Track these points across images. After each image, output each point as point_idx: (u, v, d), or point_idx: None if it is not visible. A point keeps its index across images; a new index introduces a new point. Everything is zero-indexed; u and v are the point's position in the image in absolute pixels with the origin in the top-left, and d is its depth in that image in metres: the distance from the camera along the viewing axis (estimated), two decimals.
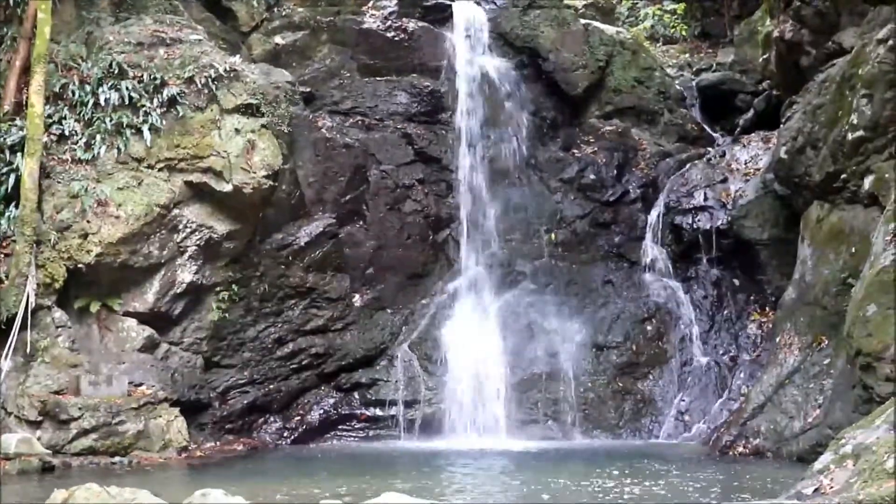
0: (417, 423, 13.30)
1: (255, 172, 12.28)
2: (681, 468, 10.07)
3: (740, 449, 11.21)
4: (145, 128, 11.96)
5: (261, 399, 12.98)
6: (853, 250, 10.77)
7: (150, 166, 12.01)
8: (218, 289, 12.64)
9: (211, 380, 12.71)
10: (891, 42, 10.26)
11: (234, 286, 12.75)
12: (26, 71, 11.91)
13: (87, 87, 12.08)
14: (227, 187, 12.16)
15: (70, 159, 11.75)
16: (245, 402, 12.87)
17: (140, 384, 11.57)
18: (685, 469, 10.00)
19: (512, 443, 12.74)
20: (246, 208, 12.45)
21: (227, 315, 12.72)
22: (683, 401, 13.40)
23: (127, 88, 12.07)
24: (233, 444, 12.40)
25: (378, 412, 13.39)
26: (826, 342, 10.92)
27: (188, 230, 12.18)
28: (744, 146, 15.10)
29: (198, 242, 12.27)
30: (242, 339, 12.93)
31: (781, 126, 12.79)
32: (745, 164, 14.70)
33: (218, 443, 12.38)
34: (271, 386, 13.08)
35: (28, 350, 10.94)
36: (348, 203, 13.91)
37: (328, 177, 13.72)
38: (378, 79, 15.02)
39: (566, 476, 9.38)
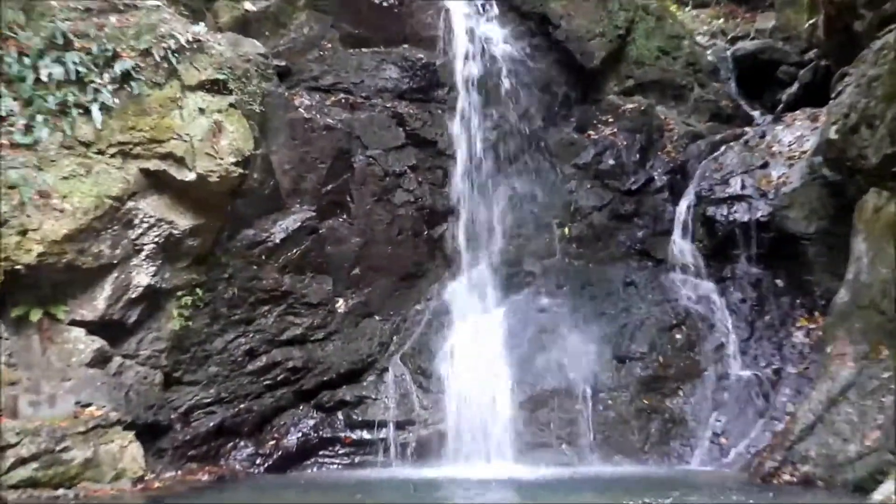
0: (411, 448, 13.24)
1: (222, 158, 12.21)
2: (716, 499, 9.96)
3: (786, 476, 11.05)
4: (94, 107, 11.74)
5: (229, 420, 12.92)
6: None
7: (100, 152, 11.82)
8: (180, 293, 12.57)
9: (171, 399, 12.61)
10: None
11: (198, 290, 12.68)
12: None
13: (27, 61, 11.84)
14: (190, 176, 12.07)
15: (6, 144, 11.52)
16: (211, 424, 12.78)
17: (88, 404, 11.40)
18: (722, 500, 9.89)
19: (520, 470, 12.68)
20: (212, 200, 12.38)
21: (190, 323, 12.65)
22: (719, 421, 13.30)
23: (73, 62, 11.83)
24: (197, 473, 12.30)
25: (365, 435, 13.35)
26: (885, 352, 10.80)
27: (145, 225, 12.08)
28: (787, 125, 15.06)
29: (156, 240, 12.16)
30: (208, 351, 12.85)
31: (831, 101, 12.71)
32: (789, 146, 14.65)
33: (179, 472, 12.29)
34: (242, 405, 13.02)
35: None
36: (330, 193, 13.86)
37: (307, 163, 13.66)
38: (364, 50, 14.96)
39: None
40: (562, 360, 13.82)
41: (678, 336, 14.02)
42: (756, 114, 16.18)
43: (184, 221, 12.28)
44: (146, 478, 11.40)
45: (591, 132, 15.48)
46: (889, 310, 10.88)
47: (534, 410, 13.52)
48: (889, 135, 11.13)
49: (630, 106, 15.69)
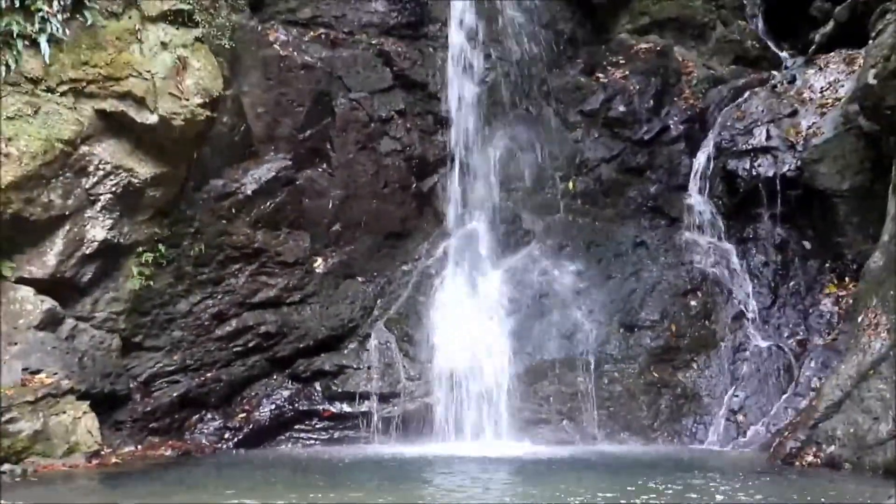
0: (396, 423, 13.32)
1: (187, 99, 12.16)
2: (732, 483, 9.92)
3: (809, 458, 11.09)
4: (42, 39, 11.60)
5: (195, 391, 12.95)
6: None
7: (49, 89, 11.72)
8: (140, 249, 12.55)
9: (130, 366, 12.62)
10: None
11: (160, 246, 12.66)
12: None
13: None
14: (152, 118, 12.03)
15: None
16: (175, 394, 12.82)
17: (38, 371, 11.36)
18: (738, 484, 9.85)
19: (516, 448, 12.77)
20: (176, 146, 12.34)
21: (151, 283, 12.64)
22: (737, 396, 13.35)
23: None
24: (159, 448, 12.32)
25: (346, 408, 13.43)
26: None
27: (101, 173, 12.03)
28: (820, 69, 15.04)
29: (113, 189, 12.12)
30: (171, 313, 12.86)
31: (870, 42, 12.64)
32: (821, 92, 14.65)
33: (139, 446, 12.30)
34: (209, 374, 13.06)
35: None
36: (308, 140, 13.83)
37: (282, 106, 13.63)
38: None
39: (583, 492, 9.22)
40: (564, 327, 13.87)
41: (693, 303, 14.04)
42: (785, 56, 16.09)
43: (144, 169, 12.22)
44: (102, 452, 11.38)
45: (599, 75, 15.39)
46: None
47: (532, 383, 13.57)
48: None
49: (644, 46, 15.62)
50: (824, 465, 10.92)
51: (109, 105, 11.90)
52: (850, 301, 12.93)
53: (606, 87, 15.22)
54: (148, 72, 11.97)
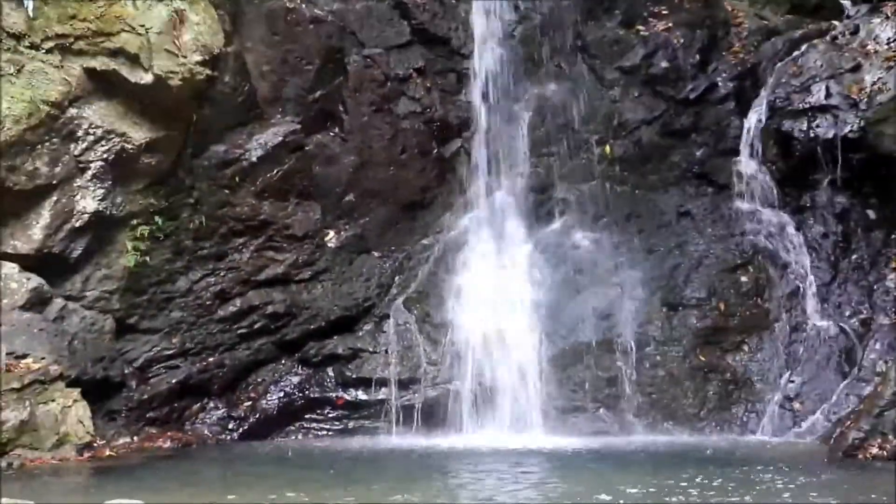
0: (417, 412, 13.36)
1: (184, 56, 12.15)
2: (787, 477, 9.85)
3: (874, 450, 10.98)
4: None
5: (196, 377, 13.05)
6: None
7: (33, 46, 11.74)
8: (134, 222, 12.60)
9: (125, 350, 12.70)
10: None
11: (157, 218, 12.70)
12: None
13: None
14: (146, 77, 12.02)
15: None
16: (174, 380, 12.91)
17: (24, 355, 11.38)
18: (793, 479, 9.78)
19: (548, 439, 12.78)
20: (173, 108, 12.36)
21: (147, 259, 12.69)
22: (792, 382, 13.33)
23: None
24: (156, 440, 12.41)
25: (361, 395, 13.50)
26: None
27: (91, 138, 12.07)
28: (886, 17, 14.78)
29: (105, 156, 12.16)
30: (169, 292, 12.93)
31: None
32: (888, 43, 14.42)
33: (135, 438, 12.38)
34: (211, 359, 13.16)
35: None
36: (318, 102, 13.84)
37: (290, 64, 13.61)
38: None
39: (623, 489, 9.14)
40: (600, 307, 13.88)
41: (743, 278, 14.03)
42: (847, 3, 15.83)
43: (138, 134, 12.25)
44: (94, 445, 11.42)
45: (640, 27, 15.26)
46: None
47: (566, 368, 13.60)
48: None
49: None
50: (891, 458, 10.79)
51: (100, 63, 11.91)
52: None
53: (647, 40, 15.08)
54: (142, 26, 11.93)
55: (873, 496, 9.01)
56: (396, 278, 14.03)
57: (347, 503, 8.35)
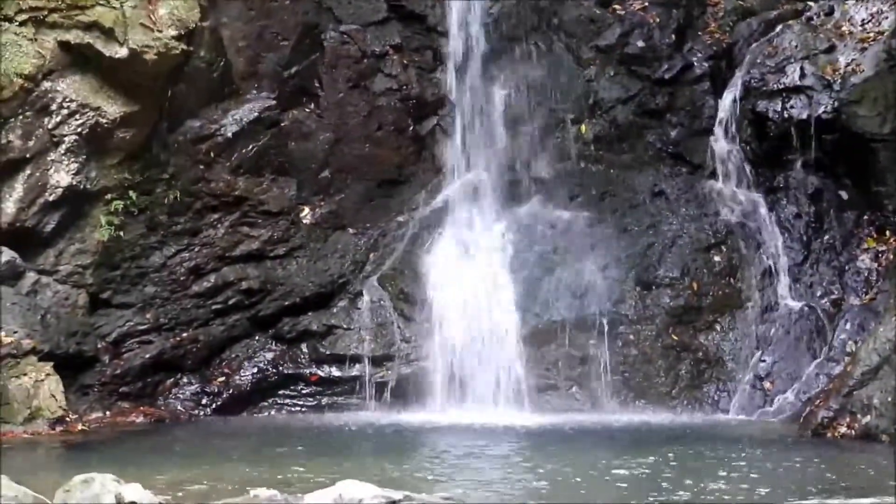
0: (390, 388, 13.38)
1: (160, 31, 12.13)
2: (758, 455, 9.98)
3: (843, 429, 11.06)
4: None
5: (169, 352, 13.01)
6: None
7: (7, 18, 11.68)
8: (109, 196, 12.56)
9: (98, 324, 12.66)
10: None
11: (131, 193, 12.64)
12: None
13: None
14: (121, 51, 12.00)
15: None
16: (147, 356, 12.87)
17: None
18: (764, 457, 9.90)
19: (521, 416, 12.80)
20: (148, 82, 12.34)
21: (121, 234, 12.65)
22: (763, 361, 13.34)
23: None
24: (129, 415, 12.39)
25: (335, 372, 13.48)
26: None
27: (65, 112, 12.05)
28: None
29: (79, 130, 12.14)
30: (143, 267, 12.90)
31: None
32: (862, 24, 14.43)
33: (108, 412, 12.36)
34: (185, 334, 13.12)
35: None
36: (294, 78, 13.82)
37: (266, 40, 13.57)
38: None
39: (595, 465, 9.26)
40: (575, 285, 13.82)
41: (716, 258, 14.01)
42: None
43: (113, 108, 12.21)
44: (67, 419, 11.41)
45: (616, 6, 15.14)
46: None
47: (539, 346, 13.58)
48: None
49: None
50: (859, 436, 10.86)
51: (74, 36, 11.85)
52: (891, 256, 12.97)
53: (624, 19, 14.98)
54: (117, 0, 11.87)
55: (840, 474, 9.10)
56: (371, 255, 13.97)
57: (303, 477, 8.39)
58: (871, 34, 14.23)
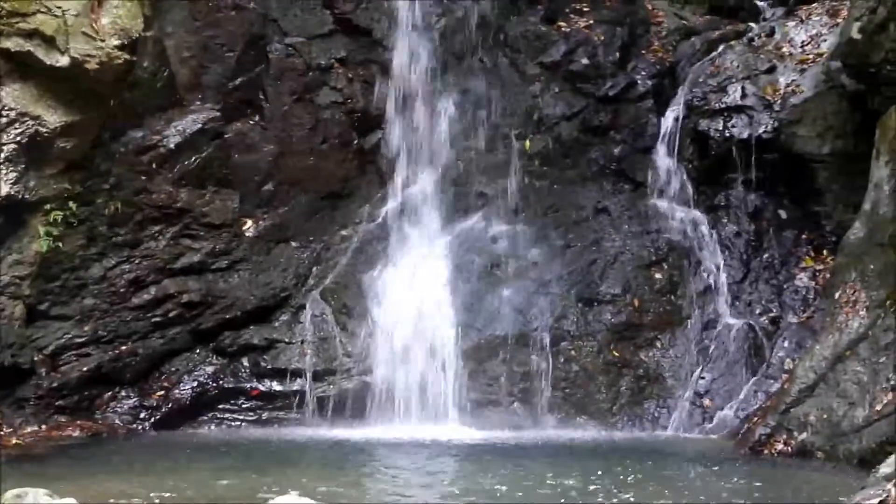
0: (331, 403, 13.28)
1: (103, 40, 12.01)
2: (695, 472, 10.10)
3: (780, 446, 11.21)
4: None
5: (108, 365, 12.86)
6: None
7: None
8: (48, 207, 12.41)
9: (35, 336, 12.52)
10: None
11: (71, 204, 12.53)
12: None
13: None
14: (62, 60, 11.87)
15: None
16: (85, 368, 12.72)
17: None
18: (702, 473, 10.02)
19: (462, 432, 12.81)
20: (90, 92, 12.22)
21: (60, 245, 12.51)
22: (703, 378, 13.39)
23: None
24: (66, 429, 12.26)
25: (276, 386, 13.38)
26: None
27: (4, 121, 11.87)
28: (801, 21, 15.04)
29: (18, 139, 11.97)
30: (83, 279, 12.77)
31: None
32: (802, 46, 14.64)
33: (44, 426, 12.24)
34: (124, 347, 12.98)
35: None
36: (239, 90, 13.78)
37: (210, 51, 13.56)
38: None
39: (531, 480, 9.34)
40: (517, 301, 13.82)
41: (658, 275, 14.05)
42: (763, 6, 16.15)
43: (54, 117, 12.09)
44: (1, 433, 11.39)
45: (561, 24, 15.26)
46: None
47: (481, 361, 13.55)
48: None
49: None
50: (795, 453, 11.01)
51: (14, 44, 11.68)
52: (828, 275, 13.00)
53: (568, 36, 15.09)
54: (59, 8, 11.75)
55: (773, 490, 9.22)
56: (314, 269, 13.91)
57: (240, 492, 8.42)
58: (811, 56, 14.44)
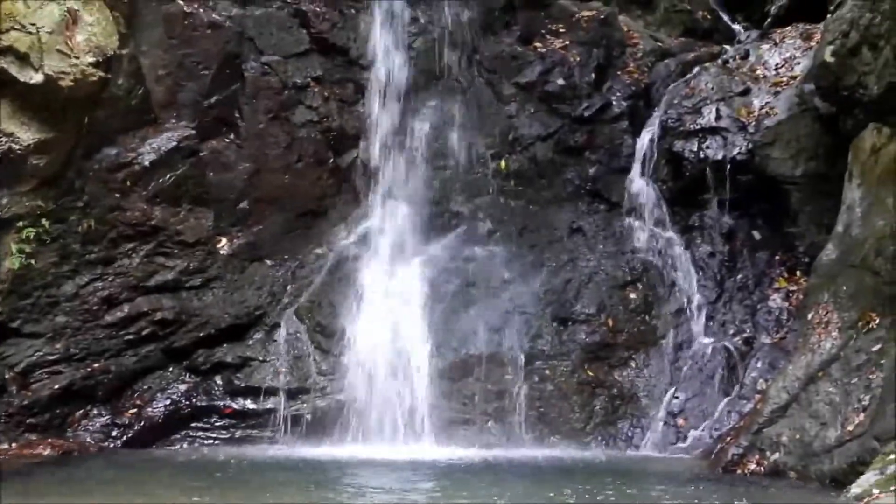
0: (305, 422, 13.27)
1: (77, 57, 12.07)
2: (668, 492, 10.01)
3: (752, 466, 11.22)
4: None
5: (80, 383, 12.81)
6: None
7: None
8: (21, 224, 12.41)
9: (6, 354, 12.48)
10: None
11: (44, 221, 12.52)
12: None
13: None
14: (37, 77, 11.91)
15: None
16: (57, 386, 12.67)
17: None
18: (674, 493, 9.93)
19: (437, 451, 12.77)
20: (64, 109, 12.25)
21: (33, 262, 12.50)
22: (677, 398, 13.41)
23: None
24: (36, 447, 12.16)
25: (249, 405, 13.37)
26: (877, 321, 10.88)
27: None
28: (775, 44, 15.09)
29: None
30: (55, 296, 12.73)
31: (829, 16, 12.65)
32: (776, 69, 14.68)
33: (14, 444, 12.19)
34: (96, 365, 12.93)
35: None
36: (214, 108, 13.78)
37: (186, 69, 13.57)
38: None
39: (503, 498, 9.34)
40: (492, 320, 13.83)
41: (632, 295, 14.07)
42: (738, 29, 16.29)
43: (27, 134, 12.08)
44: None
45: (537, 44, 15.30)
46: (884, 270, 10.94)
47: (456, 380, 13.56)
48: (895, 59, 11.12)
49: (586, 14, 15.51)
50: (768, 473, 11.02)
51: None
52: (801, 296, 13.04)
53: (545, 57, 15.14)
54: (33, 25, 11.79)
55: None
56: (289, 287, 13.90)
57: None
58: (785, 78, 14.49)
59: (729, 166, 14.15)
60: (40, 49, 11.82)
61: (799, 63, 14.50)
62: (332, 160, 14.43)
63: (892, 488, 6.38)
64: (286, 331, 13.59)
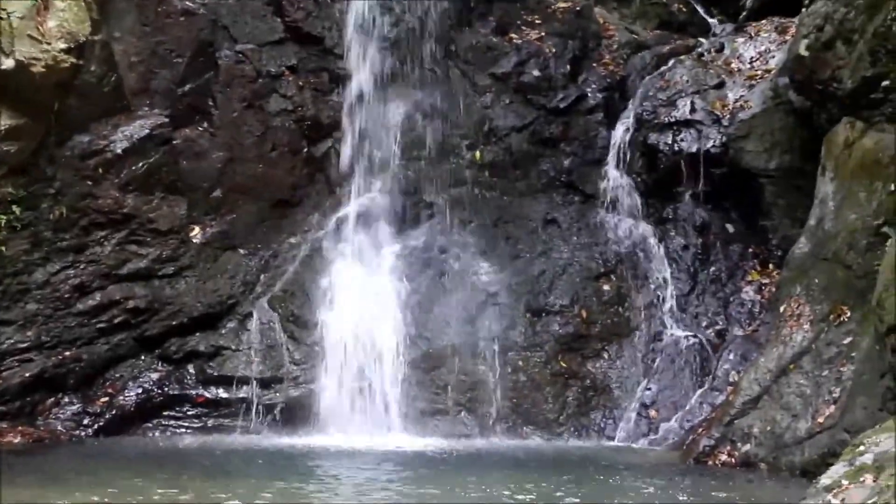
0: (278, 411, 13.27)
1: (49, 43, 12.01)
2: (640, 482, 10.12)
3: (723, 457, 11.30)
4: None
5: (51, 371, 12.72)
6: (893, 187, 10.74)
7: None
8: None
9: None
10: None
11: (14, 208, 12.42)
12: None
13: None
14: (7, 63, 11.82)
15: None
16: (27, 374, 12.57)
17: None
18: (645, 484, 10.02)
19: (410, 441, 12.82)
20: (35, 95, 12.17)
21: (3, 249, 12.41)
22: (649, 389, 13.46)
23: None
24: (6, 435, 12.10)
25: (222, 393, 13.35)
26: (848, 314, 10.94)
27: None
28: (750, 37, 15.12)
29: None
30: (26, 284, 12.63)
31: (803, 10, 12.72)
32: (751, 62, 14.71)
33: None
34: (67, 353, 12.85)
35: None
36: (188, 96, 13.72)
37: (159, 56, 13.48)
38: None
39: (476, 490, 9.35)
40: (465, 310, 13.86)
41: (606, 287, 14.11)
42: (714, 22, 16.26)
43: None
44: None
45: (513, 35, 15.29)
46: (855, 263, 10.99)
47: (429, 371, 13.59)
48: (869, 53, 11.16)
49: (562, 5, 15.50)
50: (739, 464, 11.11)
51: None
52: (773, 289, 13.11)
53: (520, 48, 15.12)
54: (3, 10, 11.71)
55: (714, 499, 9.25)
56: (262, 276, 13.86)
57: (179, 500, 8.41)
58: (759, 72, 14.53)
59: (703, 159, 14.20)
60: (11, 34, 11.73)
61: (774, 57, 14.54)
62: (306, 150, 14.39)
63: (861, 479, 6.41)
64: (259, 320, 13.56)
